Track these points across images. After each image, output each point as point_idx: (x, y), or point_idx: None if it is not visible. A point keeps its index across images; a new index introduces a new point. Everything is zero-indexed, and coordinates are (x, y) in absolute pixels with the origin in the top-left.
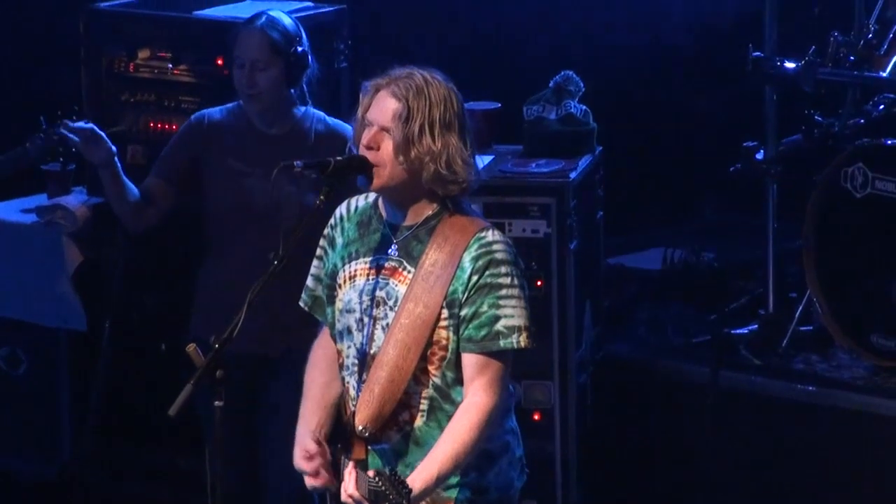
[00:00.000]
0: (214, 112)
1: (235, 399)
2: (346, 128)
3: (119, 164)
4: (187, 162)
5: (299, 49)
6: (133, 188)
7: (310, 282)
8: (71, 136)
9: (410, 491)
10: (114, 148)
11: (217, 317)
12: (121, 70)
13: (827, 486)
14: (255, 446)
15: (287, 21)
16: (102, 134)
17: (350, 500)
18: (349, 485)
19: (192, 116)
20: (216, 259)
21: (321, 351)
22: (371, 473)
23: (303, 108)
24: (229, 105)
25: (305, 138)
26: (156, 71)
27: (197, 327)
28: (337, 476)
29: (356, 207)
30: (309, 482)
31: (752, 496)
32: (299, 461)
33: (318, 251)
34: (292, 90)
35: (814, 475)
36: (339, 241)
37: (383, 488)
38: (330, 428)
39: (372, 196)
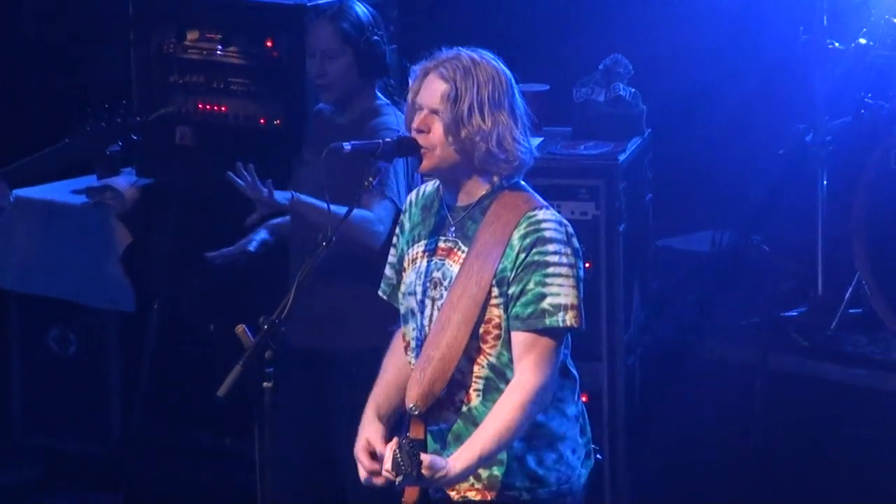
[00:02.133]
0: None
1: (303, 398)
2: (387, 128)
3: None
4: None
5: (373, 38)
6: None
7: (387, 270)
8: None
9: (421, 463)
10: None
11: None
12: (170, 51)
13: (874, 468)
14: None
15: (360, 10)
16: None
17: (389, 475)
18: (387, 461)
19: None
20: (289, 252)
21: (399, 337)
22: (393, 445)
23: (383, 100)
24: None
25: (366, 128)
26: (205, 52)
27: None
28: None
29: (423, 192)
30: (365, 477)
31: (802, 478)
32: (359, 452)
33: (394, 239)
34: (372, 80)
35: (863, 457)
36: (407, 226)
37: (399, 460)
38: (398, 409)
39: (438, 181)
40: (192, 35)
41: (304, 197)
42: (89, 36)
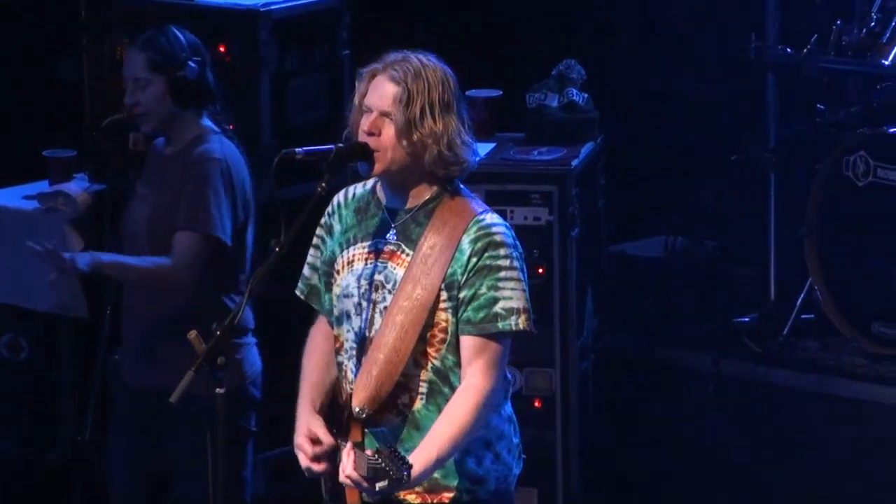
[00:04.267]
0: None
1: (139, 437)
2: (210, 158)
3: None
4: None
5: (188, 65)
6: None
7: (306, 271)
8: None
9: (411, 466)
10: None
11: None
12: (123, 56)
13: (827, 473)
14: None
15: (173, 37)
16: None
17: (348, 481)
18: (347, 466)
19: None
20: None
21: (319, 337)
22: (370, 452)
23: (209, 128)
24: None
25: (190, 157)
26: None
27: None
28: (332, 461)
29: (354, 195)
30: (306, 465)
31: (753, 484)
32: (302, 441)
33: (315, 240)
34: (192, 108)
35: (814, 463)
36: (338, 228)
37: (383, 465)
38: (326, 411)
39: (370, 183)
40: None
41: (105, 257)
42: (42, 41)
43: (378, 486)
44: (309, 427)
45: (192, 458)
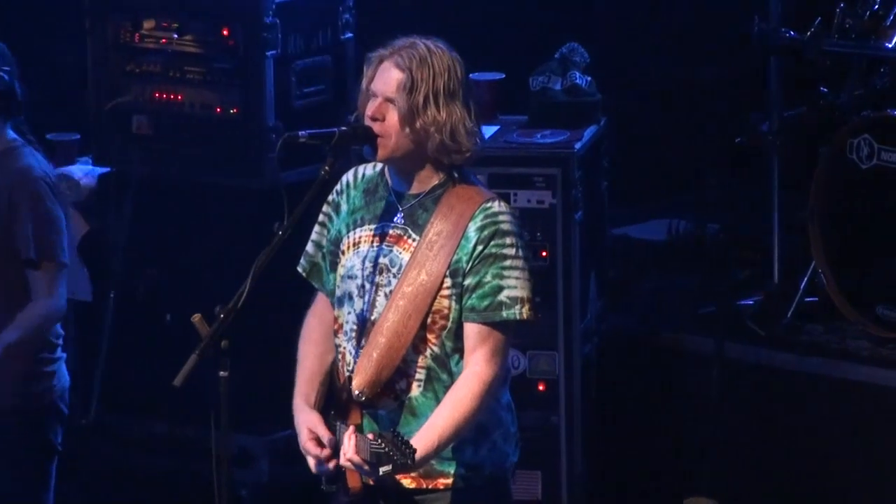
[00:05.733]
0: None
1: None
2: (34, 178)
3: None
4: None
5: (1, 74)
6: None
7: (310, 248)
8: None
9: (415, 451)
10: None
11: None
12: (126, 40)
13: (829, 456)
14: None
15: None
16: None
17: (349, 465)
18: (349, 449)
19: None
20: None
21: (315, 320)
22: (372, 436)
23: (17, 141)
24: None
25: (9, 171)
26: (161, 41)
27: None
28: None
29: (363, 175)
30: (316, 468)
31: (756, 467)
32: (309, 446)
33: (321, 217)
34: (3, 119)
35: (817, 446)
36: (345, 207)
37: (386, 449)
38: (323, 398)
39: (380, 164)
40: (148, 24)
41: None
42: (45, 25)
43: (382, 470)
44: (308, 428)
45: None
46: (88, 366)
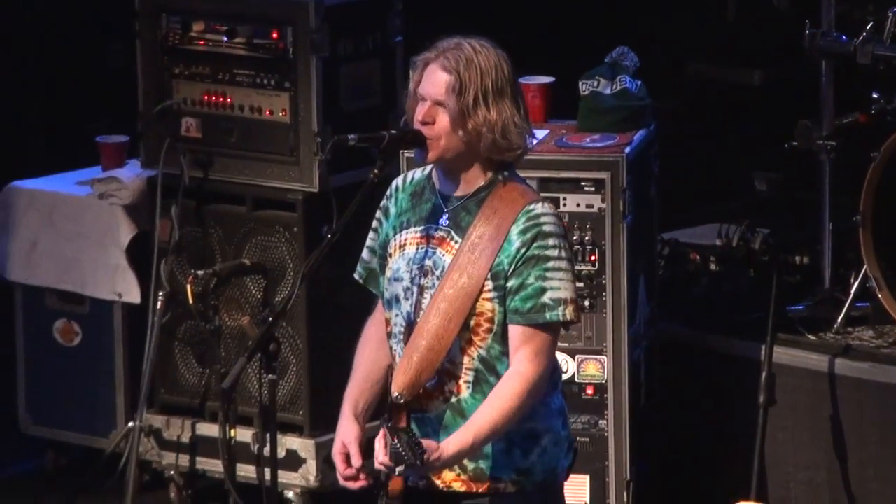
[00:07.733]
0: None
1: None
2: None
3: None
4: None
5: None
6: None
7: (365, 254)
8: None
9: (424, 451)
10: None
11: None
12: (175, 42)
13: (880, 462)
14: None
15: None
16: None
17: (382, 468)
18: (379, 452)
19: None
20: None
21: (374, 328)
22: (393, 437)
23: None
24: None
25: None
26: (210, 44)
27: None
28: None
29: (412, 179)
30: (341, 480)
31: (807, 472)
32: (338, 459)
33: (374, 223)
34: None
35: (868, 453)
36: (393, 211)
37: (400, 449)
38: (374, 404)
39: (428, 168)
40: (197, 26)
41: None
42: (94, 27)
43: (398, 470)
44: (343, 442)
45: None
46: (137, 368)
